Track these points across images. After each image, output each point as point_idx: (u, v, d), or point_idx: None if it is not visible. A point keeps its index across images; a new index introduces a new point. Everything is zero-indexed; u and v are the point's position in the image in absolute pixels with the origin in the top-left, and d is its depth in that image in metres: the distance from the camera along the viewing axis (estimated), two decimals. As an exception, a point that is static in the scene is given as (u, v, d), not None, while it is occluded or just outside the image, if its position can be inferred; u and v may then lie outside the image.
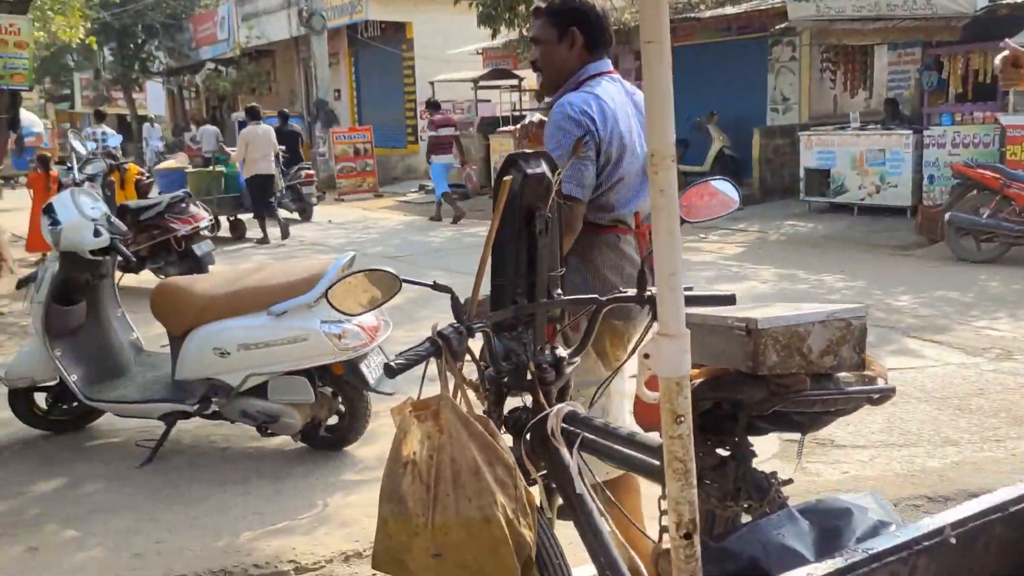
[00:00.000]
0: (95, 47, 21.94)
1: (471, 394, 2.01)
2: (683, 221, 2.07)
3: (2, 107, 8.78)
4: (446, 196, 14.01)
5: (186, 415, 4.32)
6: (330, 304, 1.88)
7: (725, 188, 2.27)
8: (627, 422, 2.85)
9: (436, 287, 1.92)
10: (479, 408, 2.05)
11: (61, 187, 9.76)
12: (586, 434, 1.91)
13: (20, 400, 4.58)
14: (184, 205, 8.37)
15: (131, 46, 28.80)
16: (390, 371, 1.79)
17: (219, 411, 4.28)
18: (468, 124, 17.63)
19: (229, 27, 25.88)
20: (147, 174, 10.52)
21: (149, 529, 3.60)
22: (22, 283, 4.72)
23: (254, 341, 4.10)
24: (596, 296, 2.08)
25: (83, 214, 4.38)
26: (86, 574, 3.24)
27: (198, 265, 8.40)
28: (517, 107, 18.05)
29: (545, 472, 2.11)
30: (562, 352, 2.09)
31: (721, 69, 15.23)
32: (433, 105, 15.04)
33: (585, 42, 2.67)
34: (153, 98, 31.01)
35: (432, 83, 18.62)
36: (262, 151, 11.94)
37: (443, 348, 1.85)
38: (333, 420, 4.42)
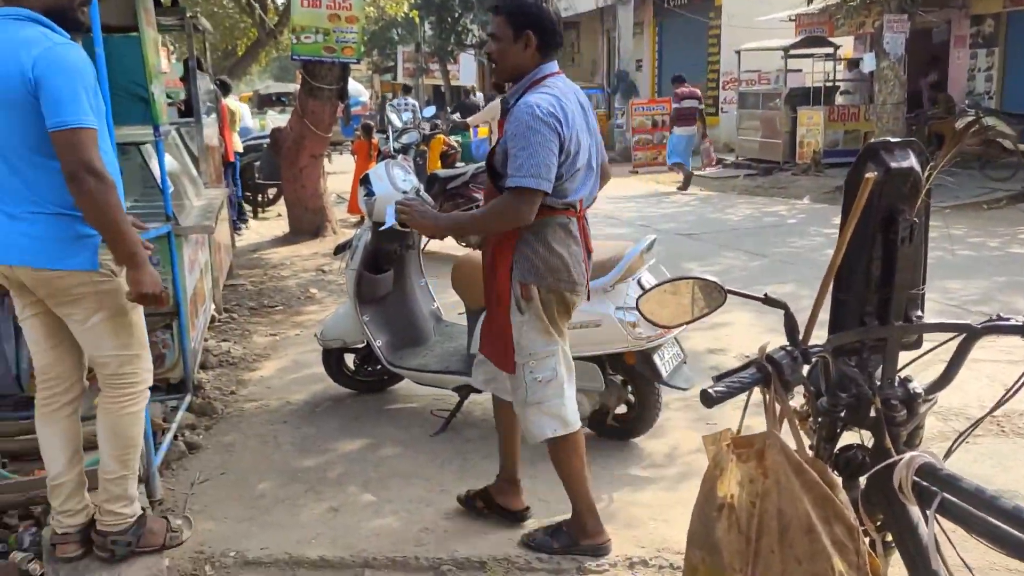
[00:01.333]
0: (417, 21, 23.38)
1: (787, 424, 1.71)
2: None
3: (334, 78, 9.46)
4: (678, 165, 14.83)
5: (478, 390, 4.35)
6: (641, 314, 1.65)
7: None
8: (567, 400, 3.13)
9: (767, 301, 1.62)
10: (806, 442, 1.74)
11: (380, 154, 10.45)
12: (947, 495, 1.55)
13: (332, 359, 4.86)
14: (487, 176, 8.56)
15: (448, 20, 30.40)
16: (707, 399, 1.53)
17: (510, 389, 4.26)
18: (775, 95, 16.68)
19: (538, -1, 26.46)
20: (454, 146, 10.94)
21: (440, 502, 3.64)
22: (339, 249, 4.99)
23: (548, 322, 4.01)
24: (969, 323, 1.68)
25: (395, 186, 4.52)
26: (379, 542, 3.32)
27: (497, 234, 8.56)
28: (831, 77, 16.75)
29: (880, 524, 1.77)
30: (916, 388, 1.72)
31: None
32: (678, 79, 15.27)
33: (538, 44, 2.92)
34: (465, 69, 32.58)
35: (738, 52, 17.84)
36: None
37: (772, 376, 1.56)
38: (622, 410, 4.25)
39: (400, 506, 3.62)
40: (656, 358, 3.93)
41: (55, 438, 3.00)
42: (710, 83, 20.99)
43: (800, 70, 17.07)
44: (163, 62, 7.47)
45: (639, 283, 3.96)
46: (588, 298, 3.19)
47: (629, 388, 4.17)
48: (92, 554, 3.04)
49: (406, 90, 17.28)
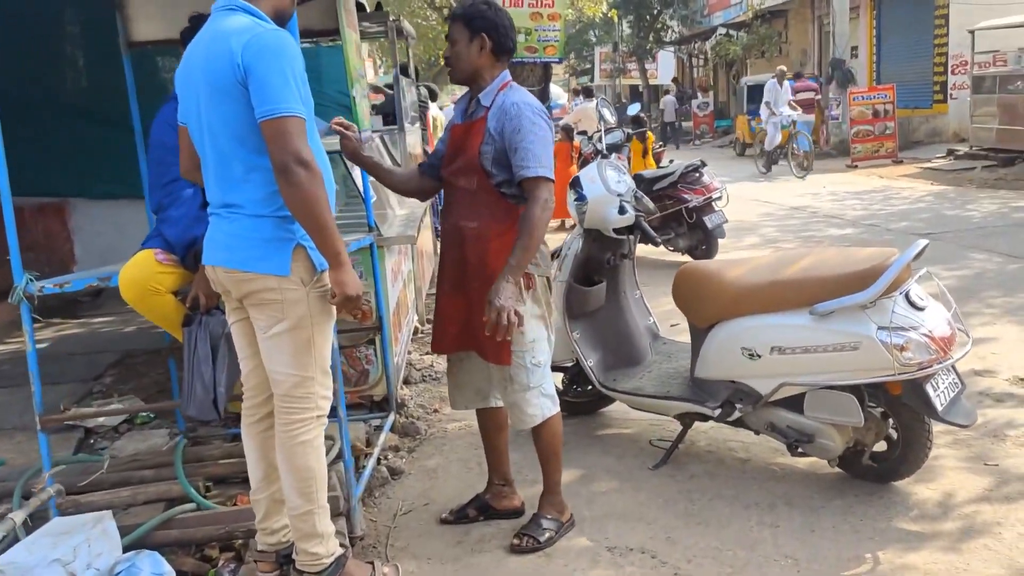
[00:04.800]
0: (615, 20, 22.94)
1: None
2: None
3: (536, 80, 9.21)
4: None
5: (704, 418, 3.83)
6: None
7: None
8: None
9: None
10: None
11: (581, 157, 10.07)
12: None
13: (539, 379, 4.47)
14: (698, 175, 7.99)
15: (647, 17, 29.73)
16: None
17: (742, 419, 3.71)
18: (1016, 77, 14.85)
19: (743, -11, 25.39)
20: (661, 143, 10.44)
21: (666, 553, 3.15)
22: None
23: (791, 344, 3.42)
24: None
25: (609, 189, 4.06)
26: (600, 600, 2.88)
27: (708, 238, 7.99)
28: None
29: None
30: None
31: None
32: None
33: (492, 47, 3.06)
34: (664, 67, 31.81)
35: (972, 32, 16.07)
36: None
37: None
38: (880, 447, 3.58)
39: (622, 557, 3.14)
40: (928, 388, 3.24)
41: (251, 452, 2.89)
42: (936, 68, 19.13)
43: (1047, 47, 15.14)
44: (368, 72, 7.40)
45: (907, 298, 3.29)
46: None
47: (890, 421, 3.51)
48: None
49: (587, 93, 16.63)
